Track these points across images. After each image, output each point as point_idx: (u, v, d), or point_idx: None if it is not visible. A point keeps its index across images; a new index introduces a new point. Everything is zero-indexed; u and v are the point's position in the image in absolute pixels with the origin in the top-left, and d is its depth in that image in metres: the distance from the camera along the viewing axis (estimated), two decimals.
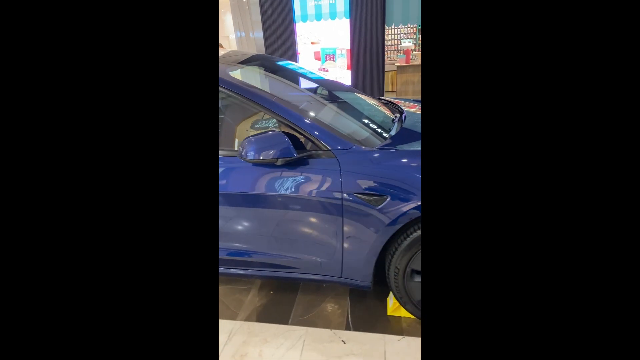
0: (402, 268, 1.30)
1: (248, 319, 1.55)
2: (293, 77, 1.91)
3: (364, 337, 1.41)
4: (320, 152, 1.29)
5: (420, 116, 1.71)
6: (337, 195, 1.25)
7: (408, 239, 1.24)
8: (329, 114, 1.55)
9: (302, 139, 1.31)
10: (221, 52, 1.92)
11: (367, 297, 1.62)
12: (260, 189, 1.31)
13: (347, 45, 5.25)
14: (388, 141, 1.38)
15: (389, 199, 1.20)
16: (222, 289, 1.74)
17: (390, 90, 6.19)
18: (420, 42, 6.27)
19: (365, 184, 1.22)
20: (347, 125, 1.50)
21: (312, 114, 1.46)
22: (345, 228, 1.29)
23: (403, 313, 1.49)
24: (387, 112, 1.81)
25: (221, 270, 1.53)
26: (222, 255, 1.48)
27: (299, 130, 1.31)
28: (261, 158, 1.23)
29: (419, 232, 1.23)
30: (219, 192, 1.34)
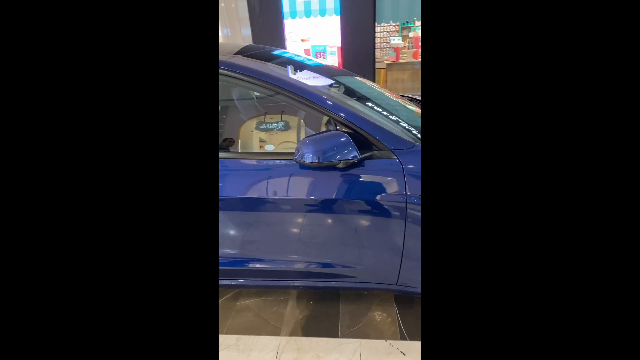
0: None
1: (293, 333, 1.44)
2: (311, 69, 1.79)
3: None
4: (380, 152, 1.20)
5: None
6: (401, 198, 1.17)
7: None
8: (375, 112, 1.46)
9: (359, 139, 1.22)
10: None
11: (415, 304, 1.55)
12: (317, 193, 1.20)
13: (337, 42, 5.18)
14: None
15: None
16: (256, 302, 1.62)
17: None
18: (405, 39, 6.31)
19: None
20: (396, 123, 1.42)
21: (363, 110, 1.36)
22: (407, 232, 1.21)
23: None
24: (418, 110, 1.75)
25: (272, 282, 1.41)
26: (271, 266, 1.36)
27: (355, 129, 1.21)
28: (321, 161, 1.13)
29: None
30: (272, 198, 1.23)
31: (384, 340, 1.38)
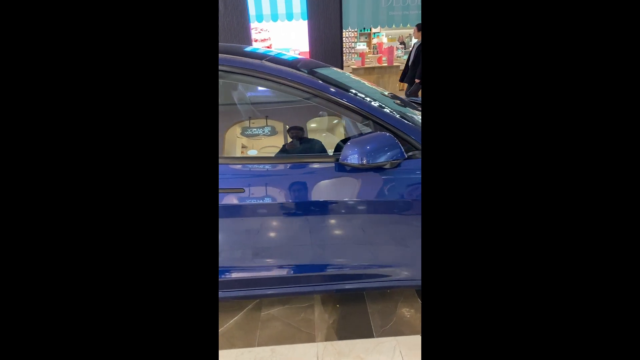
0: None
1: (329, 338, 1.43)
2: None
3: None
4: (419, 152, 1.24)
5: None
6: None
7: None
8: (399, 111, 1.50)
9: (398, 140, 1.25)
10: None
11: None
12: (364, 195, 1.21)
13: (305, 47, 5.20)
14: None
15: None
16: (281, 310, 1.57)
17: None
18: (369, 45, 6.52)
19: None
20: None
21: (394, 110, 1.39)
22: None
23: None
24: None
25: (319, 287, 1.38)
26: (319, 271, 1.33)
27: (392, 129, 1.24)
28: (368, 162, 1.14)
29: None
30: (313, 201, 1.21)
31: (418, 335, 1.42)
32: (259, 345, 1.41)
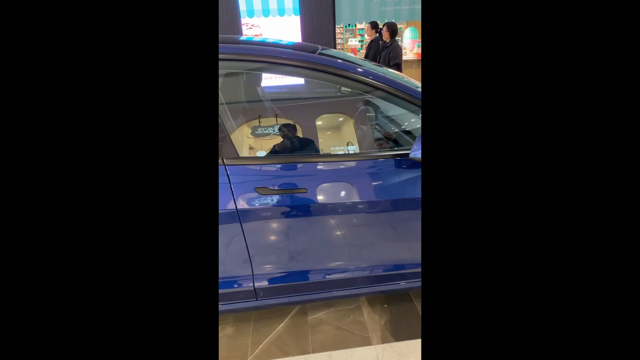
0: None
1: (385, 340, 1.38)
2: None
3: None
4: None
5: None
6: None
7: None
8: None
9: None
10: None
11: None
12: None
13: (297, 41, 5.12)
14: None
15: None
16: (328, 314, 1.52)
17: None
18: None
19: None
20: None
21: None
22: None
23: None
24: None
25: (373, 289, 1.33)
26: (378, 272, 1.28)
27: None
28: None
29: None
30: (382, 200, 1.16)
31: None
32: (314, 351, 1.35)
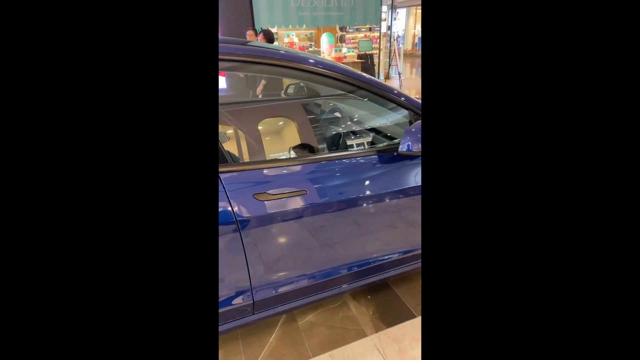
0: None
1: (378, 328, 1.43)
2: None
3: None
4: None
5: None
6: None
7: None
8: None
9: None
10: None
11: None
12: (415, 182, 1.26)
13: None
14: None
15: None
16: (317, 315, 1.51)
17: None
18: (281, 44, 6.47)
19: None
20: None
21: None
22: None
23: None
24: None
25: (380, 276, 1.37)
26: (367, 266, 1.32)
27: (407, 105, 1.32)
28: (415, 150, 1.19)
29: None
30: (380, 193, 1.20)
31: None
32: (314, 354, 1.33)
